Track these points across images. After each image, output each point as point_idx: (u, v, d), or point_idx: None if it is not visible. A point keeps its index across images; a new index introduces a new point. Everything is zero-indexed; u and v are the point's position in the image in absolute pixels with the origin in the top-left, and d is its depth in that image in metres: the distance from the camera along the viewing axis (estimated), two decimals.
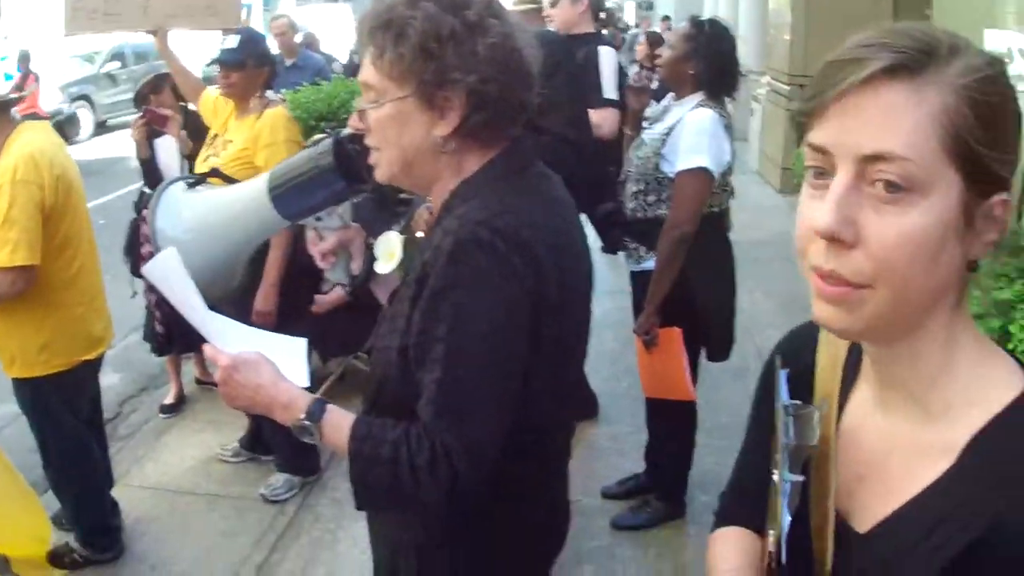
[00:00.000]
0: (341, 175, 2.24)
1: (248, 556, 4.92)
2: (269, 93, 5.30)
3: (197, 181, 2.52)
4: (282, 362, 2.14)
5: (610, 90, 6.17)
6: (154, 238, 2.40)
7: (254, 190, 2.33)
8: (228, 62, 5.11)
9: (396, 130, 2.04)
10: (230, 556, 4.93)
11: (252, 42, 5.22)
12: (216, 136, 5.38)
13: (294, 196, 2.28)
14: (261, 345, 2.17)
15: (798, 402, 1.40)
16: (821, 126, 1.20)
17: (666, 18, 27.88)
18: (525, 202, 2.03)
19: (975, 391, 1.29)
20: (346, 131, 2.27)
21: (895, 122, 1.16)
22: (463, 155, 2.07)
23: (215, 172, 2.66)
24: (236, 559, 4.90)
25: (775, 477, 1.28)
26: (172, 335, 6.43)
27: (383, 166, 2.10)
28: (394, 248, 2.32)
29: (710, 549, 1.68)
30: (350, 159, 2.23)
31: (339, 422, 2.04)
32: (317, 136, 2.30)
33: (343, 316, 5.75)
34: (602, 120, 5.97)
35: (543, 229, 1.99)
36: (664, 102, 4.91)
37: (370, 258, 2.41)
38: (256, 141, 5.03)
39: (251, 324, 2.82)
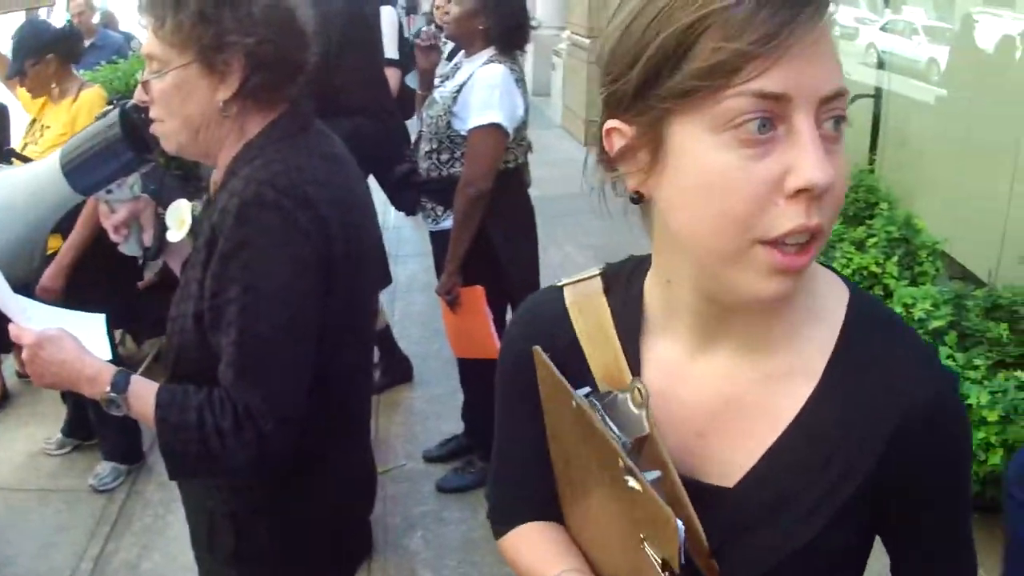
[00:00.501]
0: (129, 146, 2.24)
1: (85, 549, 4.88)
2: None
3: None
4: (84, 338, 2.15)
5: (391, 50, 6.20)
6: None
7: (47, 167, 2.31)
8: (13, 74, 5.10)
9: (180, 99, 2.06)
10: (67, 550, 4.88)
11: (23, 41, 5.16)
12: (34, 122, 5.28)
13: (85, 169, 2.27)
14: (63, 323, 2.18)
15: (588, 390, 1.30)
16: (773, 72, 1.06)
17: None
18: (307, 161, 2.08)
19: (814, 308, 1.29)
20: (132, 102, 2.27)
21: (836, 58, 1.12)
22: (245, 119, 2.11)
23: (12, 152, 2.63)
24: (74, 553, 4.85)
25: (635, 485, 1.16)
26: None
27: (170, 136, 2.13)
28: (184, 216, 2.32)
29: (515, 553, 1.57)
30: (137, 129, 2.23)
31: (143, 392, 2.05)
32: (105, 108, 2.29)
33: (153, 295, 5.67)
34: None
35: (327, 187, 2.05)
36: (455, 59, 4.89)
37: (161, 228, 2.41)
38: (74, 124, 4.93)
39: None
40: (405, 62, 6.16)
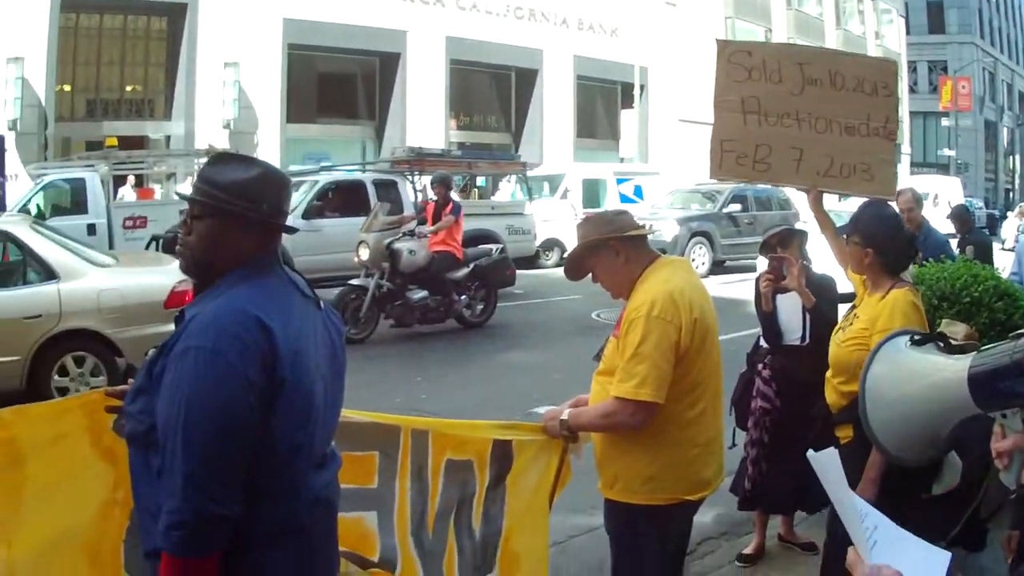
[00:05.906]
0: None
1: None
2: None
3: (924, 339, 2.46)
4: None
5: None
6: (862, 391, 2.40)
7: (955, 366, 2.22)
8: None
9: None
10: None
11: (870, 221, 4.99)
12: (853, 307, 5.16)
13: (988, 382, 2.14)
14: (904, 554, 2.06)
15: None
16: None
17: None
18: None
19: None
20: None
21: None
22: None
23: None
24: None
25: None
26: (757, 495, 6.42)
27: None
28: None
29: None
30: None
31: None
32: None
33: (939, 505, 5.42)
34: None
35: None
36: None
37: None
38: (874, 323, 4.75)
39: None
40: None
